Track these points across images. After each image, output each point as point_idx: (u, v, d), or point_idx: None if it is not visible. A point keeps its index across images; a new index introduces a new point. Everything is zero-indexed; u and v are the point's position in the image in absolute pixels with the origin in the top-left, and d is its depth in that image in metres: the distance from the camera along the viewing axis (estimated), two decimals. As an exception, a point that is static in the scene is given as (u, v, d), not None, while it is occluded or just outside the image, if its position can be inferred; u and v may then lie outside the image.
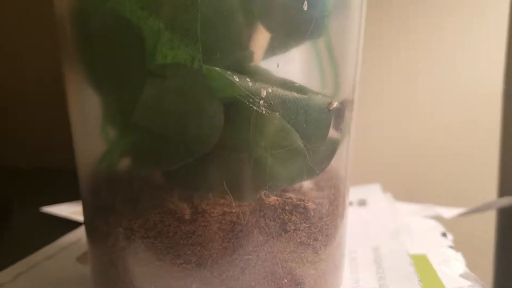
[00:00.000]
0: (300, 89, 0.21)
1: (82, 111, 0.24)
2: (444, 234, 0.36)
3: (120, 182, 0.23)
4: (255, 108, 0.20)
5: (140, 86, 0.21)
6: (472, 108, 0.48)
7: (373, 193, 0.45)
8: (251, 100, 0.20)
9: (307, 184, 0.23)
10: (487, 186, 0.47)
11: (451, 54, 0.48)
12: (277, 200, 0.21)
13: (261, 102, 0.20)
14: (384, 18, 0.49)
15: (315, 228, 0.22)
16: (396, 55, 0.49)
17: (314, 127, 0.21)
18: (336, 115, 0.22)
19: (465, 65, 0.48)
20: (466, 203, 0.43)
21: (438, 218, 0.39)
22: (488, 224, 0.47)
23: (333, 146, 0.22)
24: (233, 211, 0.20)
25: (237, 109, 0.20)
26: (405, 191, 0.47)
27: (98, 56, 0.21)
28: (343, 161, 0.24)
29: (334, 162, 0.23)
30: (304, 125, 0.21)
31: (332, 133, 0.22)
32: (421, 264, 0.30)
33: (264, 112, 0.20)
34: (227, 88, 0.20)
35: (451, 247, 0.33)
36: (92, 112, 0.24)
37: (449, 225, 0.38)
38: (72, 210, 0.41)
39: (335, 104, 0.21)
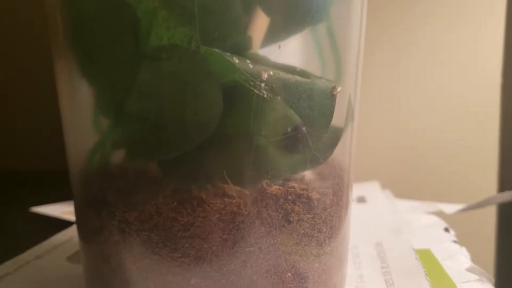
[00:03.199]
0: (302, 73, 0.20)
1: (73, 101, 0.23)
2: (446, 229, 0.35)
3: (113, 174, 0.22)
4: (256, 91, 0.19)
5: (134, 71, 0.20)
6: (471, 104, 0.47)
7: (372, 190, 0.44)
8: (251, 83, 0.19)
9: (310, 173, 0.22)
10: (487, 182, 0.47)
11: (450, 53, 0.48)
12: (280, 189, 0.20)
13: (262, 85, 0.19)
14: (382, 14, 0.48)
15: (319, 219, 0.21)
16: (395, 53, 0.49)
17: (317, 113, 0.20)
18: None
19: (463, 62, 0.48)
20: (466, 199, 0.42)
21: (439, 214, 0.39)
22: (488, 219, 0.46)
23: (337, 134, 0.22)
24: (234, 201, 0.19)
25: (237, 93, 0.19)
26: (404, 188, 0.47)
27: (90, 40, 0.20)
28: (347, 150, 0.23)
29: (337, 151, 0.22)
30: (307, 110, 0.20)
31: (336, 120, 0.21)
32: (426, 258, 0.29)
33: (265, 96, 0.19)
34: (226, 71, 0.19)
35: (455, 242, 0.32)
36: (83, 102, 0.23)
37: (449, 221, 0.37)
38: (63, 210, 0.39)
39: (339, 89, 0.21)
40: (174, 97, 0.20)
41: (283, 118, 0.19)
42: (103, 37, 0.20)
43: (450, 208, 0.39)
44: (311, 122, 0.20)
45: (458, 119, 0.47)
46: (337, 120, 0.21)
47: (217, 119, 0.19)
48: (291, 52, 0.21)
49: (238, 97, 0.19)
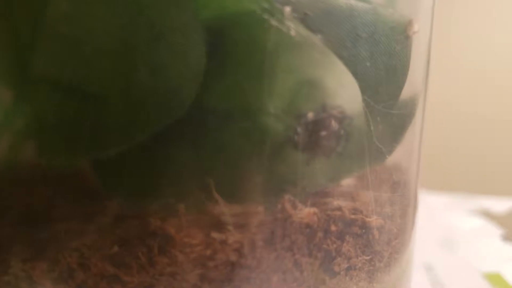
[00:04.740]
0: (356, -5, 0.11)
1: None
2: (505, 238, 0.26)
3: (13, 184, 0.12)
4: (274, 24, 0.09)
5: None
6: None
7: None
8: (266, 8, 0.09)
9: (357, 182, 0.12)
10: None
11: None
12: (315, 213, 0.11)
13: (287, 10, 0.09)
14: None
15: (380, 262, 0.12)
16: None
17: (384, 69, 0.11)
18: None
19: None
20: (508, 190, 0.34)
21: (485, 213, 0.30)
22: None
23: (410, 109, 0.12)
24: (230, 240, 0.10)
25: (235, 34, 0.10)
26: (429, 177, 0.38)
27: None
28: (416, 136, 0.14)
29: (405, 139, 0.13)
30: (367, 64, 0.10)
31: (407, 86, 0.12)
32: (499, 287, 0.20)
33: (292, 34, 0.09)
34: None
35: (525, 258, 0.23)
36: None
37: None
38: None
39: (417, 27, 0.11)
40: (115, 42, 0.10)
41: (326, 79, 0.10)
42: None
43: (498, 205, 0.31)
44: (373, 87, 0.11)
45: (503, 95, 0.39)
46: (408, 85, 0.12)
47: (196, 83, 0.10)
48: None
49: (238, 40, 0.10)
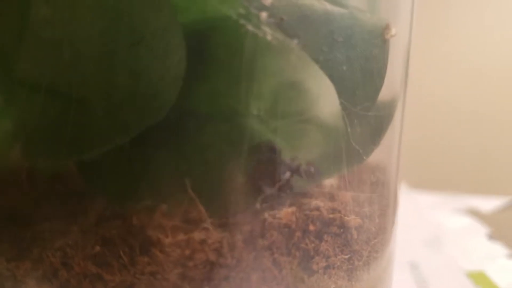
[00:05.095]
0: (333, 0, 0.11)
1: None
2: (490, 236, 0.27)
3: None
4: (250, 29, 0.09)
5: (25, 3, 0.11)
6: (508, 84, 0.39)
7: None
8: (242, 13, 0.09)
9: (341, 181, 0.12)
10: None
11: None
12: (294, 213, 0.11)
13: (264, 16, 0.09)
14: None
15: (359, 261, 0.12)
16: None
17: (361, 72, 0.11)
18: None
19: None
20: (496, 188, 0.35)
21: (472, 212, 0.31)
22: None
23: (388, 111, 0.13)
24: (209, 240, 0.10)
25: (214, 38, 0.10)
26: (421, 175, 0.38)
27: None
28: (396, 138, 0.14)
29: (383, 141, 0.13)
30: (343, 68, 0.11)
31: (385, 89, 0.12)
32: (483, 286, 0.20)
33: (269, 38, 0.10)
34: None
35: (509, 256, 0.24)
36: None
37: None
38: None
39: (394, 31, 0.12)
40: (96, 46, 0.10)
41: (302, 82, 0.10)
42: None
43: (486, 205, 0.31)
44: (349, 90, 0.11)
45: (492, 94, 0.39)
46: (386, 88, 0.12)
47: (176, 86, 0.10)
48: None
49: (217, 44, 0.10)
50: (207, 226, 0.10)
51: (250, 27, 0.09)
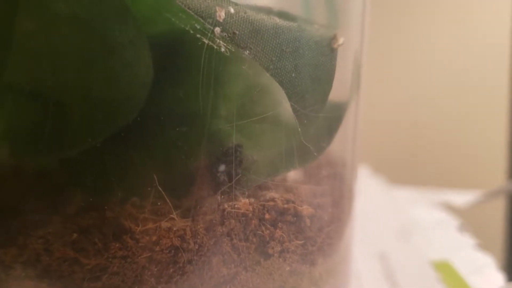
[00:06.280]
0: (283, 15, 0.12)
1: None
2: (460, 228, 0.28)
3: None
4: (206, 42, 0.11)
5: (9, 16, 0.12)
6: (479, 76, 0.40)
7: (362, 177, 0.37)
8: (199, 29, 0.11)
9: (295, 175, 0.14)
10: (495, 164, 0.40)
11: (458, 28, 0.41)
12: (251, 204, 0.12)
13: (217, 30, 0.11)
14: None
15: (313, 246, 0.13)
16: (396, 29, 0.41)
17: (308, 78, 0.12)
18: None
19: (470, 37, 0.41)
20: (471, 183, 0.36)
21: (446, 206, 0.32)
22: (497, 207, 0.40)
23: (338, 112, 0.14)
24: (175, 228, 0.12)
25: (176, 48, 0.11)
26: (399, 171, 0.40)
27: None
28: (349, 136, 0.15)
29: (336, 139, 0.14)
30: (292, 75, 0.12)
31: (334, 92, 0.13)
32: (446, 274, 0.22)
33: (223, 50, 0.11)
34: (157, 11, 0.11)
35: (476, 247, 0.25)
36: None
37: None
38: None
39: (341, 40, 0.13)
40: (73, 56, 0.12)
41: (253, 88, 0.12)
42: None
43: (459, 199, 0.32)
44: (299, 94, 0.12)
45: (463, 91, 0.40)
46: (336, 91, 0.14)
47: (145, 91, 0.12)
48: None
49: (179, 54, 0.12)
50: (173, 215, 0.12)
51: (205, 40, 0.11)
